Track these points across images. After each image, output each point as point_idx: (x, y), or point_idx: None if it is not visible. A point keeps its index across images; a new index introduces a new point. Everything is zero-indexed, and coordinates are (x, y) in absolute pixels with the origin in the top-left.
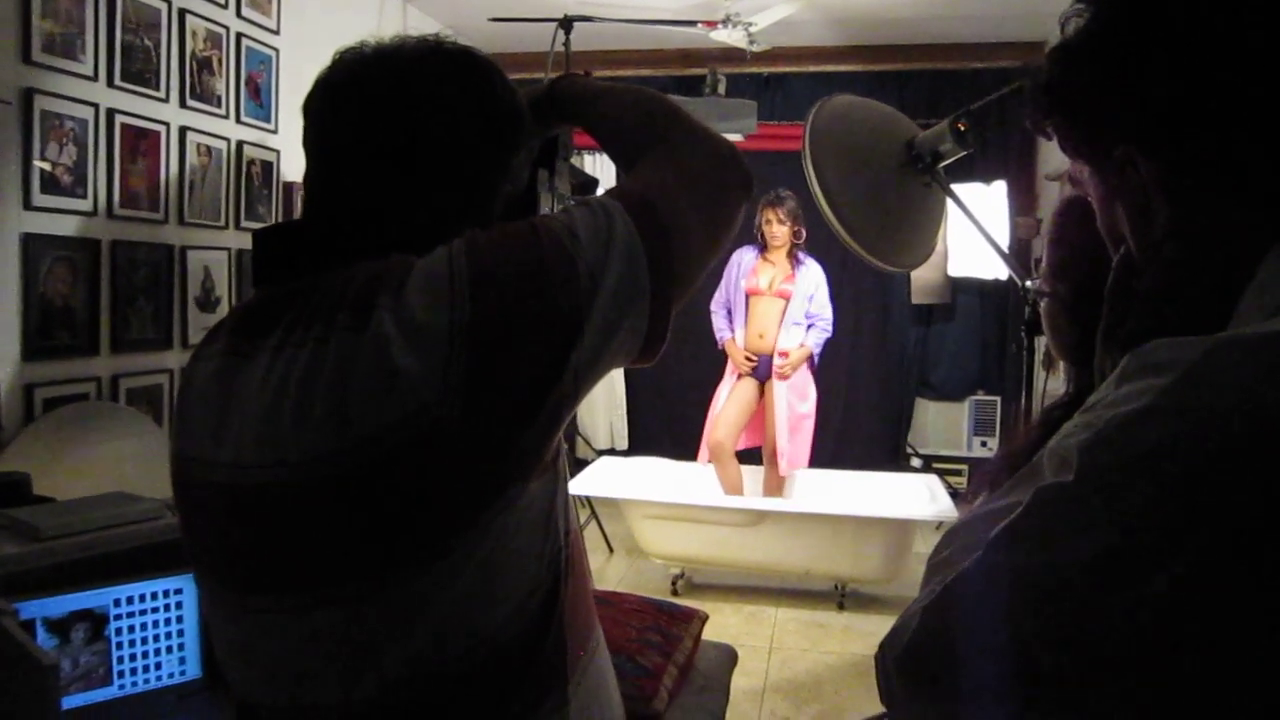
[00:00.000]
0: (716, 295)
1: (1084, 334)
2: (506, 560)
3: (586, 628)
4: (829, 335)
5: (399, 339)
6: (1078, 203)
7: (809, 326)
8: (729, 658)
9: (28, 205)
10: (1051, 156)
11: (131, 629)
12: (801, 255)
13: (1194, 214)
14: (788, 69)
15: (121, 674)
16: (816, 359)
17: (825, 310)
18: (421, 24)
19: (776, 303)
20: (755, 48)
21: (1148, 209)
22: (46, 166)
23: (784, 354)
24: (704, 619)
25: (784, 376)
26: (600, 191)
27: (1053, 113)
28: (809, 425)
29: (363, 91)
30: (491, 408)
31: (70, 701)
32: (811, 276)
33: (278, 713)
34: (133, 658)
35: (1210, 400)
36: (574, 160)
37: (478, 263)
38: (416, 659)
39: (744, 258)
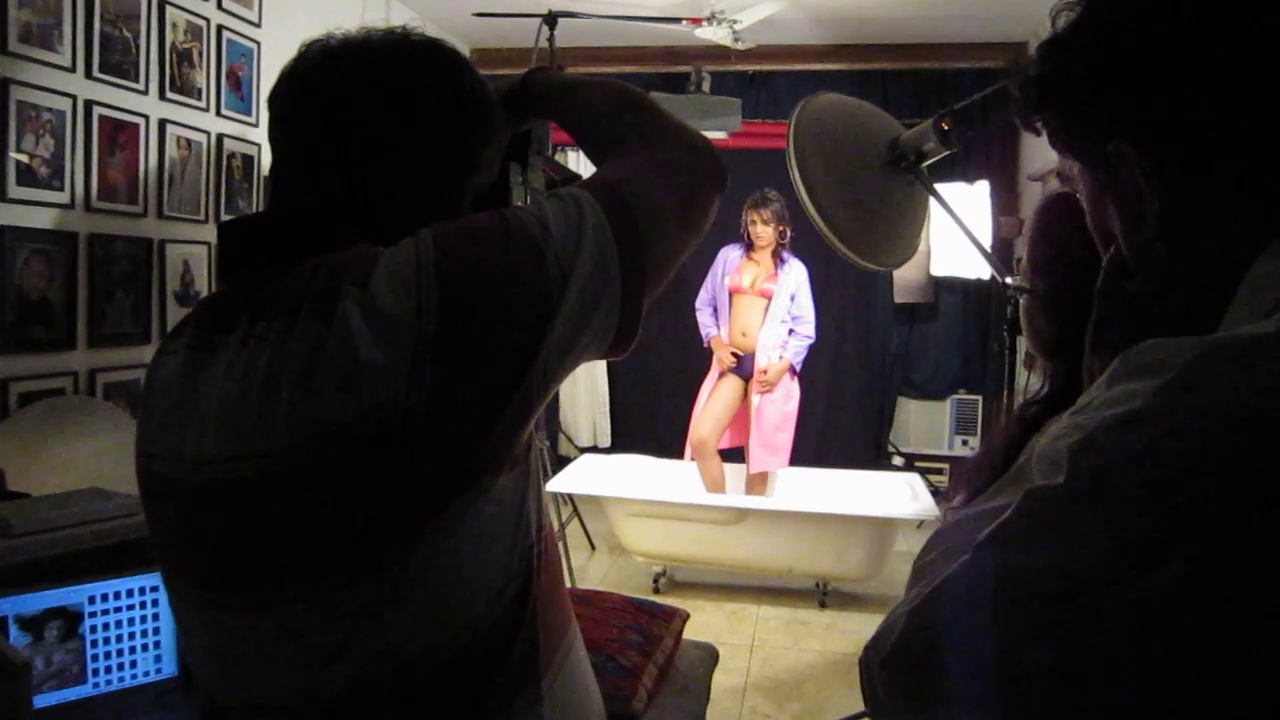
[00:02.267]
0: (702, 293)
1: (1061, 330)
2: (477, 554)
3: (561, 624)
4: (811, 341)
5: (364, 330)
6: (1060, 200)
7: (790, 331)
8: (710, 657)
9: (3, 197)
10: (1034, 157)
11: (106, 626)
12: (786, 255)
13: (1186, 211)
14: (773, 67)
15: (96, 672)
16: (798, 366)
17: (807, 312)
18: (405, 18)
19: (759, 301)
20: (740, 45)
21: (1139, 206)
22: (24, 159)
23: (763, 372)
24: (685, 618)
25: (766, 390)
26: None
27: (1043, 107)
28: (790, 424)
29: (329, 83)
30: (459, 400)
31: (44, 700)
32: (794, 276)
33: (246, 712)
34: (107, 655)
35: (1201, 403)
36: (557, 157)
37: (445, 253)
38: (386, 654)
39: (729, 256)
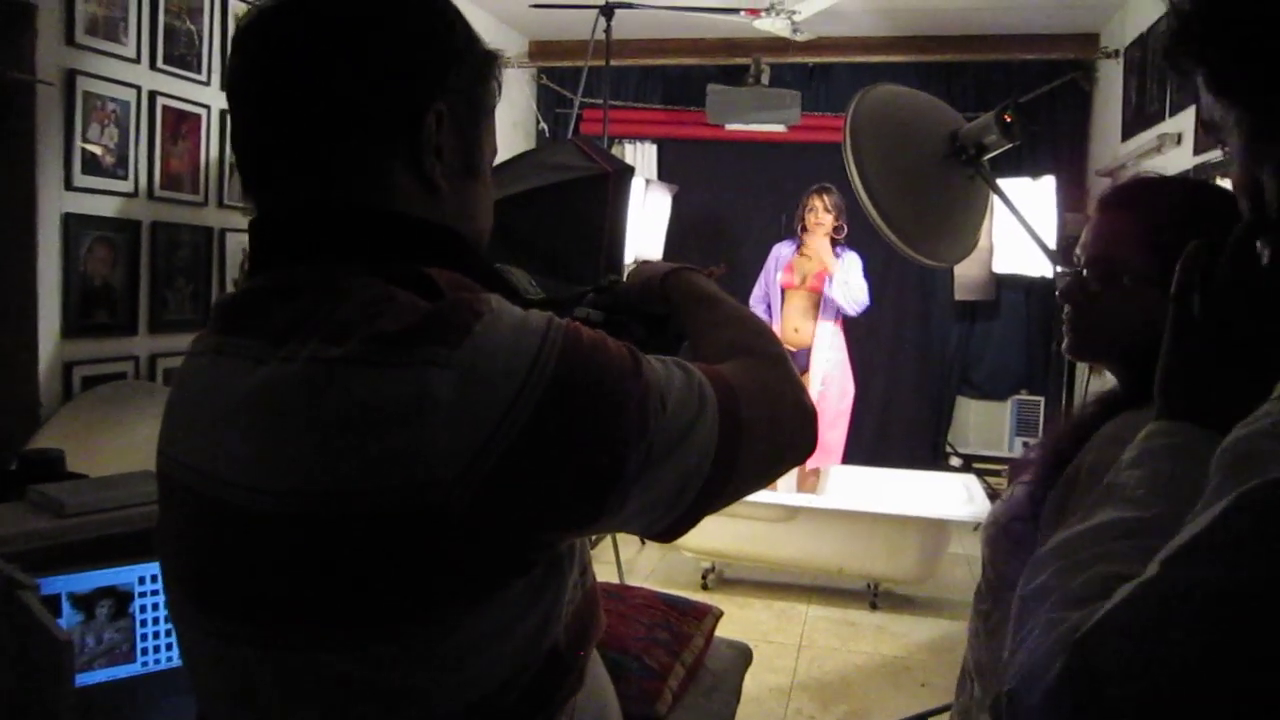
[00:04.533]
0: (755, 290)
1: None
2: (501, 627)
3: (587, 648)
4: (862, 307)
5: (444, 402)
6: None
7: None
8: (742, 656)
9: (69, 186)
10: (1103, 152)
11: (156, 606)
12: (840, 249)
13: None
14: (833, 59)
15: (145, 651)
16: (842, 320)
17: (860, 294)
18: (465, 11)
19: (810, 296)
20: (799, 37)
21: None
22: (91, 148)
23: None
24: (718, 616)
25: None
26: (639, 182)
27: (1209, 43)
28: (844, 422)
29: (275, 48)
30: (500, 516)
31: (94, 677)
32: (847, 264)
33: None
34: (156, 635)
35: None
36: (614, 150)
37: (565, 369)
38: (407, 704)
39: (781, 253)
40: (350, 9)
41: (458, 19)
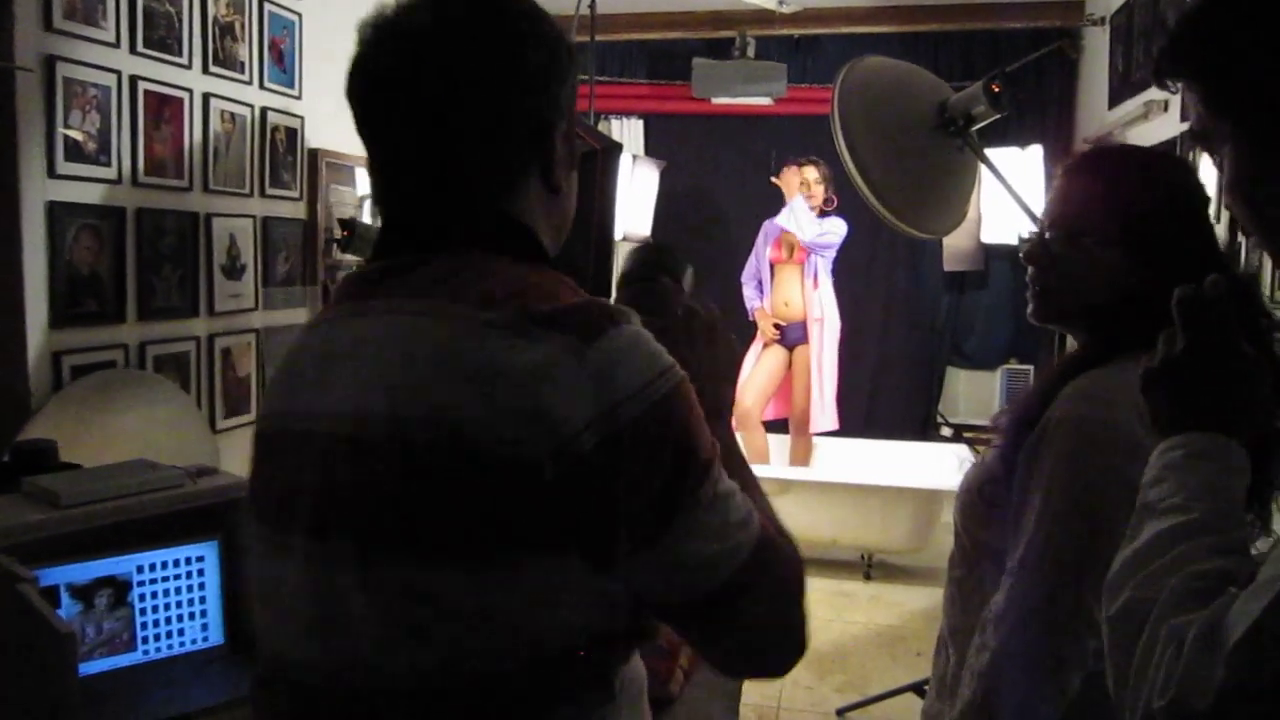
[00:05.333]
0: (747, 268)
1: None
2: (563, 590)
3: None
4: (823, 245)
5: (564, 384)
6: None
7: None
8: None
9: (52, 173)
10: (1090, 120)
11: (154, 595)
12: (828, 218)
13: None
14: (819, 30)
15: (145, 640)
16: (819, 252)
17: (810, 227)
18: None
19: (799, 269)
20: (785, 9)
21: None
22: (75, 135)
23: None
24: None
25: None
26: (626, 157)
27: (1204, 62)
28: (832, 387)
29: (411, 68)
30: (582, 496)
31: (94, 667)
32: (828, 224)
33: (308, 668)
34: (156, 624)
35: None
36: (600, 126)
37: (671, 401)
38: (478, 646)
39: (770, 228)
40: (497, 30)
41: (568, 44)
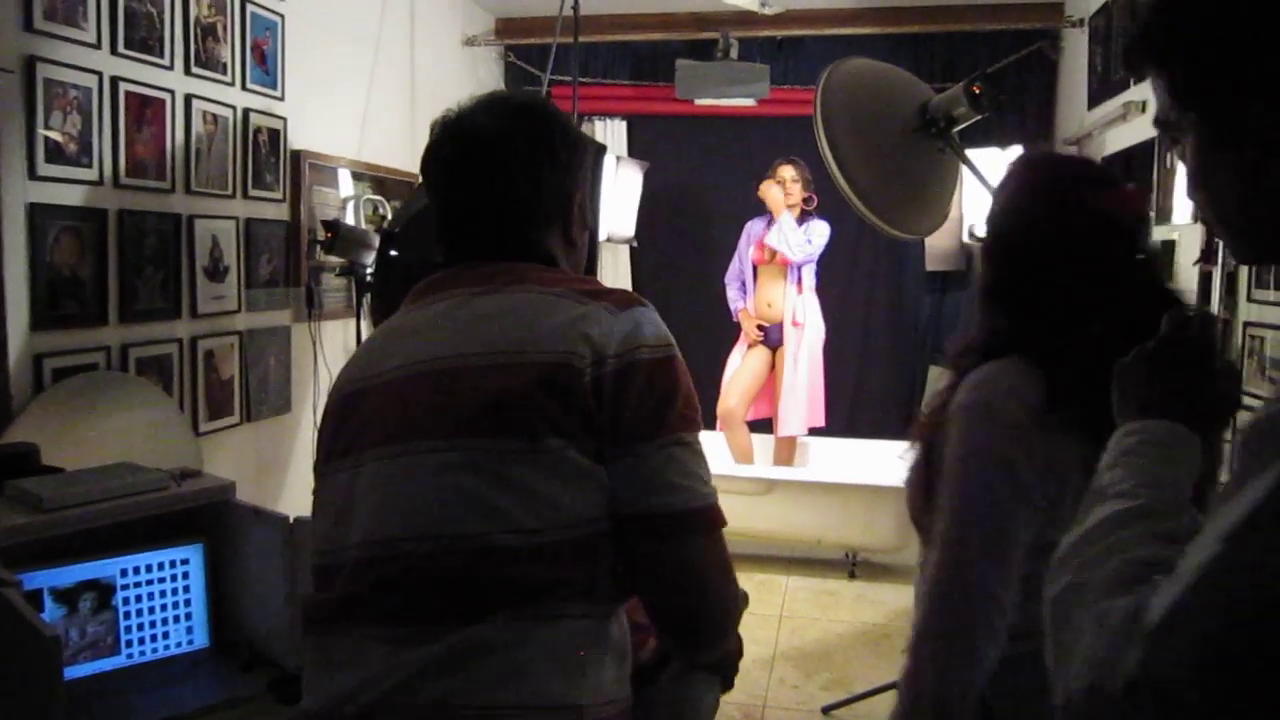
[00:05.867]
0: (730, 268)
1: (997, 278)
2: (591, 480)
3: None
4: (804, 256)
5: (605, 326)
6: (1024, 158)
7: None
8: None
9: (32, 175)
10: (1069, 121)
11: (139, 599)
12: (810, 219)
13: None
14: (801, 32)
15: (129, 643)
16: (804, 271)
17: (799, 245)
18: None
19: (781, 270)
20: (768, 10)
21: (1264, 161)
22: (56, 136)
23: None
24: None
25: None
26: (610, 159)
27: (1172, 52)
28: (805, 394)
29: (472, 155)
30: (607, 401)
31: (79, 670)
32: (812, 228)
33: (372, 544)
34: (140, 627)
35: None
36: (584, 127)
37: (674, 357)
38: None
39: (753, 229)
40: (542, 134)
41: (584, 135)
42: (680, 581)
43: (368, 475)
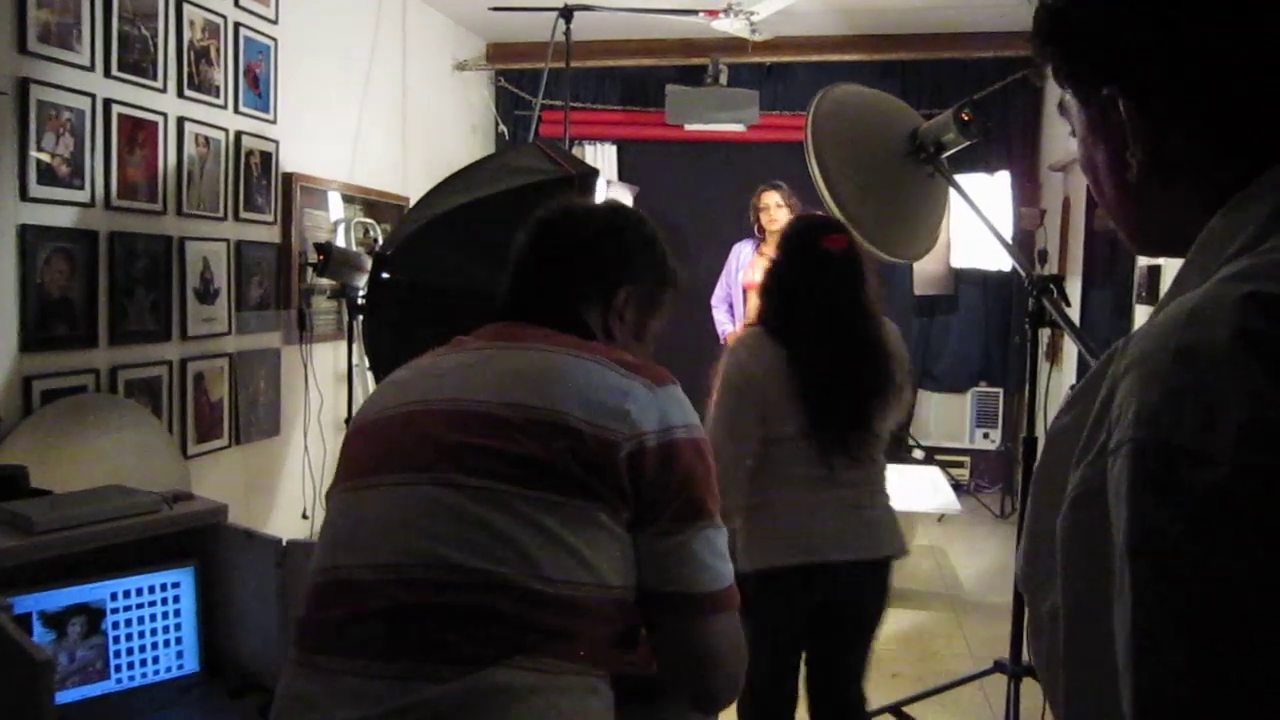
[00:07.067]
0: (717, 291)
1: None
2: (611, 546)
3: None
4: None
5: (641, 402)
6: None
7: None
8: None
9: (24, 196)
10: (1055, 147)
11: (129, 623)
12: None
13: (1168, 165)
14: (790, 58)
15: (119, 668)
16: None
17: None
18: (422, 14)
19: None
20: (757, 37)
21: (1123, 152)
22: (45, 158)
23: None
24: None
25: None
26: (601, 183)
27: (1051, 40)
28: None
29: (558, 240)
30: (631, 479)
31: (68, 695)
32: None
33: (376, 566)
34: (130, 651)
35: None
36: (574, 150)
37: (700, 441)
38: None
39: (742, 252)
40: (612, 225)
41: (661, 246)
42: (697, 655)
43: (381, 499)
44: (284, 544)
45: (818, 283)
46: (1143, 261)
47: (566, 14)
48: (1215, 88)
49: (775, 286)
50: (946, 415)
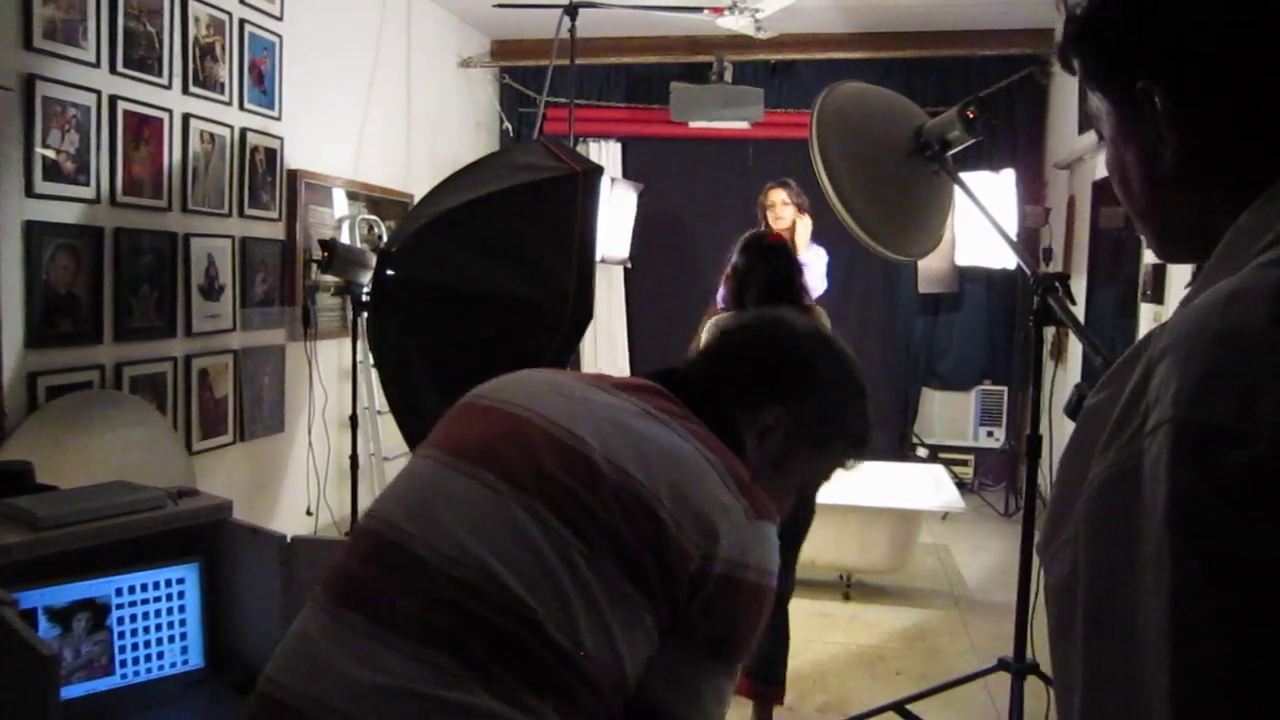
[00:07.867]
0: (720, 290)
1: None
2: (631, 638)
3: None
4: (817, 294)
5: (724, 529)
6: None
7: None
8: None
9: (30, 192)
10: (1060, 145)
11: (133, 618)
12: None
13: (1201, 159)
14: (795, 56)
15: (124, 663)
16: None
17: (819, 285)
18: (427, 11)
19: None
20: (762, 34)
21: (1155, 146)
22: (50, 154)
23: None
24: None
25: None
26: (605, 180)
27: (1082, 42)
28: None
29: (772, 337)
30: (681, 588)
31: (73, 691)
32: (810, 256)
33: (410, 536)
34: (134, 647)
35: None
36: (579, 148)
37: (767, 587)
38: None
39: None
40: (807, 349)
41: (854, 401)
42: None
43: (467, 490)
44: (288, 540)
45: (760, 268)
46: (1148, 260)
47: (571, 11)
48: (1247, 78)
49: (732, 274)
50: (951, 413)
